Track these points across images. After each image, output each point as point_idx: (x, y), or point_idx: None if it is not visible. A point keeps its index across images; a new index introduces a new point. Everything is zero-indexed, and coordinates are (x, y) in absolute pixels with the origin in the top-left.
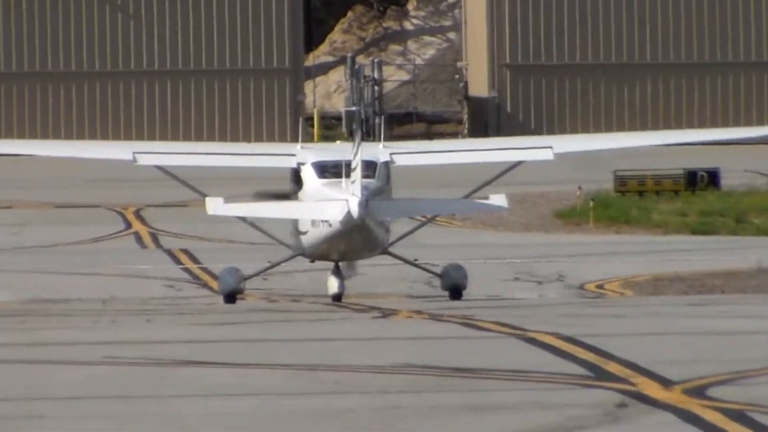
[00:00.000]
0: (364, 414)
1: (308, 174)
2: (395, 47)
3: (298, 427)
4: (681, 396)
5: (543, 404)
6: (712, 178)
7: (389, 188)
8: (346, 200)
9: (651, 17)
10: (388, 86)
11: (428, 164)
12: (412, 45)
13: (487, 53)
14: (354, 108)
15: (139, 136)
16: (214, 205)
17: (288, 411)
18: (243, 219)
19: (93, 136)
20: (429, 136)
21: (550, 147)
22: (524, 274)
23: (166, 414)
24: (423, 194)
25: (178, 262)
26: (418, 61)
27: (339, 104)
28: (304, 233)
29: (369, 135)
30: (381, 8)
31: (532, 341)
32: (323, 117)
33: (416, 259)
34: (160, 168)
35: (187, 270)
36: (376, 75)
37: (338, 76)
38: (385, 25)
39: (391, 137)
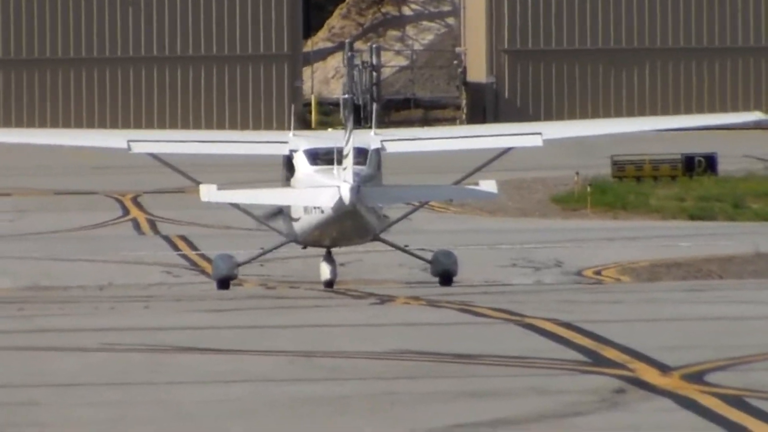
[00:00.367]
0: (360, 400)
1: (300, 161)
2: (394, 33)
3: (295, 413)
4: (679, 382)
5: (540, 390)
6: (710, 163)
7: (380, 175)
8: (338, 187)
9: (649, 2)
10: (386, 72)
11: (419, 151)
12: (410, 30)
13: (486, 38)
14: (345, 96)
15: (137, 122)
16: (208, 192)
17: (285, 397)
18: (236, 206)
19: (91, 122)
20: (427, 121)
21: (540, 133)
22: (521, 260)
23: (163, 400)
24: (416, 180)
25: (175, 248)
26: (417, 46)
27: (337, 90)
28: (297, 220)
29: (367, 121)
30: None
31: (530, 327)
32: (321, 103)
33: (407, 246)
34: (154, 156)
35: (184, 256)
36: (374, 61)
37: (336, 62)
38: (383, 10)
39: (389, 123)
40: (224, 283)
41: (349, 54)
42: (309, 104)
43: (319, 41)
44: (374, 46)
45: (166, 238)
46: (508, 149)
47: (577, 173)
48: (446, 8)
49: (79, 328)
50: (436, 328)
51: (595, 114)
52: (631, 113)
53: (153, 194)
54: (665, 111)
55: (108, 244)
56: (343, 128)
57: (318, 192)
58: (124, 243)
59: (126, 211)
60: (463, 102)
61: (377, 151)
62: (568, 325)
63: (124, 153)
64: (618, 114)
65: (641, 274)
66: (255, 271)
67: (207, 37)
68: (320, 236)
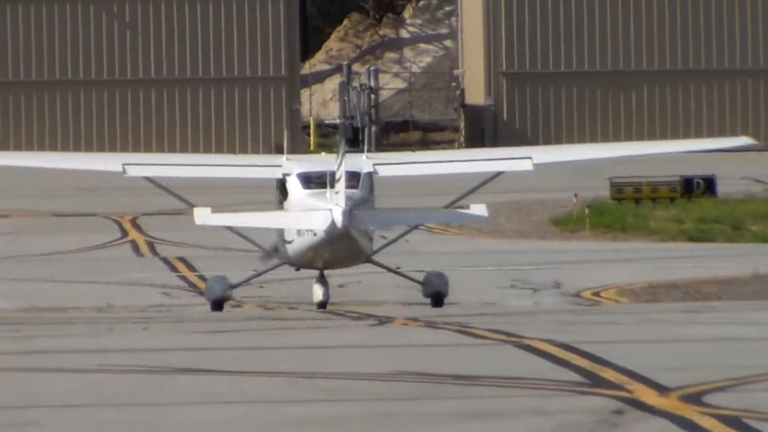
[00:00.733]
0: (360, 421)
1: (293, 185)
2: (391, 55)
3: None
4: (677, 402)
5: (538, 411)
6: (709, 185)
7: (372, 198)
8: (330, 210)
9: (647, 25)
10: (384, 94)
11: (410, 175)
12: (408, 53)
13: (484, 61)
14: (338, 120)
15: (136, 145)
16: (202, 216)
17: (284, 418)
18: (230, 229)
19: (89, 145)
20: (425, 144)
21: (530, 158)
22: (520, 282)
23: (161, 422)
24: (410, 203)
25: (174, 270)
26: (415, 69)
27: (335, 112)
28: (290, 242)
29: (365, 143)
30: (377, 16)
31: (528, 348)
32: (319, 125)
33: (399, 267)
34: (149, 179)
35: (183, 278)
36: (372, 83)
37: (334, 84)
38: (381, 32)
39: (387, 145)
40: (218, 304)
41: (343, 79)
42: (307, 127)
43: (316, 63)
44: (372, 68)
45: (165, 260)
46: (499, 173)
47: (576, 195)
48: (444, 31)
49: (77, 350)
50: (435, 350)
51: (593, 136)
52: (629, 135)
53: (152, 216)
54: (664, 133)
55: (106, 266)
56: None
57: (310, 215)
58: (122, 265)
59: (125, 233)
60: (462, 124)
61: (369, 174)
62: (566, 346)
63: (121, 176)
64: (616, 136)
65: (640, 296)
66: (254, 293)
67: (205, 60)
68: (313, 258)
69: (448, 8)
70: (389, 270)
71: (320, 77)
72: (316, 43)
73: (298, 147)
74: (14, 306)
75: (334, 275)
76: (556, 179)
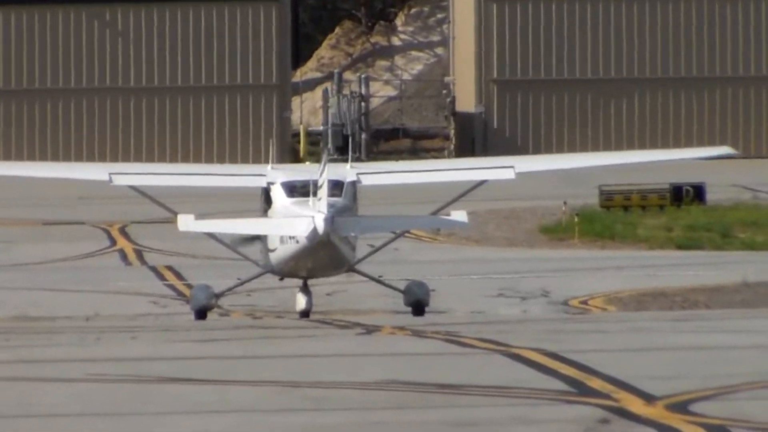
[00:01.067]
0: (347, 430)
1: (278, 193)
2: (383, 63)
3: None
4: (663, 411)
5: (525, 420)
6: (698, 192)
7: (356, 207)
8: (312, 217)
9: (639, 32)
10: (375, 102)
11: (394, 184)
12: (399, 60)
13: (475, 69)
14: (321, 127)
15: (125, 154)
16: (186, 222)
17: (272, 427)
18: (212, 236)
19: (79, 153)
20: (415, 152)
21: (512, 167)
22: (508, 290)
23: (151, 431)
24: (398, 211)
25: (162, 278)
26: (406, 76)
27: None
28: (273, 250)
29: (356, 151)
30: (369, 24)
31: (516, 357)
32: (309, 133)
33: (381, 276)
34: (134, 188)
35: (171, 286)
36: (363, 91)
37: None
38: (372, 40)
39: (377, 153)
40: (202, 313)
41: (326, 87)
42: (297, 134)
43: (308, 71)
44: (363, 76)
45: (153, 269)
46: (483, 182)
47: (565, 203)
48: (435, 38)
49: (65, 359)
50: (422, 358)
51: (584, 143)
52: (619, 143)
53: (140, 224)
54: (654, 141)
55: (95, 275)
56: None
57: (292, 222)
58: (111, 273)
59: (113, 242)
60: (452, 132)
61: (353, 183)
62: (553, 355)
63: (108, 185)
64: (606, 143)
65: (628, 304)
66: (242, 302)
67: (195, 67)
68: (295, 267)
69: (439, 16)
70: (371, 279)
71: (311, 85)
72: (307, 50)
73: (288, 155)
74: (3, 315)
75: (321, 284)
76: (545, 187)
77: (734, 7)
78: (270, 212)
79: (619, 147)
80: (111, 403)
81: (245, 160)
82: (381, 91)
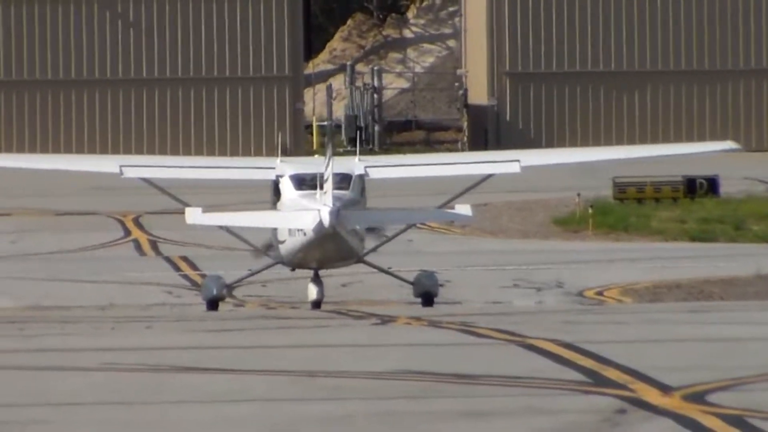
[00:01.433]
0: (362, 420)
1: (286, 186)
2: (395, 55)
3: None
4: (680, 402)
5: (542, 410)
6: (711, 185)
7: (364, 200)
8: (318, 210)
9: (651, 25)
10: (387, 94)
11: (401, 177)
12: (411, 53)
13: (487, 61)
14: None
15: (138, 145)
16: (193, 215)
17: (286, 417)
18: (225, 228)
19: (92, 144)
20: (428, 144)
21: (518, 160)
22: (523, 281)
23: (165, 420)
24: (408, 204)
25: (177, 268)
26: (418, 68)
27: (338, 112)
28: (283, 242)
29: (369, 143)
30: (381, 16)
31: (531, 348)
32: (322, 126)
33: (390, 267)
34: (145, 180)
35: (186, 277)
36: (375, 83)
37: (338, 83)
38: (384, 32)
39: (390, 145)
40: (213, 303)
41: (329, 83)
42: (310, 126)
43: (320, 63)
44: (375, 68)
45: (168, 259)
46: (489, 175)
47: (579, 195)
48: (447, 31)
49: (80, 348)
50: (438, 349)
51: (596, 136)
52: (632, 136)
53: (154, 215)
54: (667, 133)
55: (109, 265)
56: (351, 148)
57: (299, 215)
58: (125, 264)
59: (127, 232)
60: (465, 124)
61: (361, 176)
62: (569, 346)
63: (118, 177)
64: (619, 136)
65: (643, 295)
66: (256, 292)
67: (208, 59)
68: (304, 258)
69: (451, 8)
70: (381, 270)
71: (323, 77)
72: (319, 42)
73: (301, 147)
74: (18, 305)
75: (335, 274)
76: (558, 179)
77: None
78: (279, 205)
79: (631, 139)
80: (126, 393)
81: (258, 152)
82: (394, 84)
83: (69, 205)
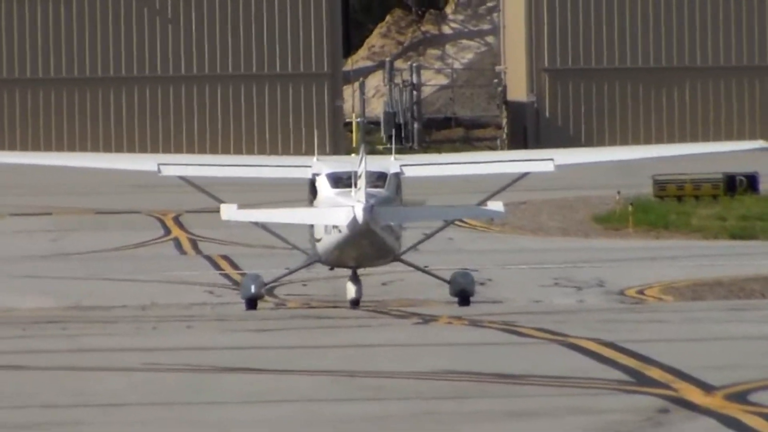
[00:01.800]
0: (402, 420)
1: (322, 184)
2: (433, 51)
3: None
4: (722, 401)
5: (584, 410)
6: (751, 182)
7: (399, 198)
8: (353, 206)
9: (689, 20)
10: (426, 91)
11: (436, 176)
12: (450, 49)
13: (526, 57)
14: (358, 119)
15: (177, 143)
16: (228, 211)
17: (327, 417)
18: (262, 226)
19: (131, 141)
20: (467, 141)
21: (552, 159)
22: (564, 280)
23: (206, 421)
24: (442, 201)
25: (217, 267)
26: (457, 65)
27: (377, 109)
28: (319, 240)
29: (408, 141)
30: (419, 12)
31: (573, 347)
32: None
33: (426, 266)
34: (183, 178)
35: (226, 276)
36: (414, 80)
37: (377, 80)
38: (423, 29)
39: (430, 142)
40: (252, 302)
41: (361, 80)
42: (349, 124)
43: (359, 60)
44: (414, 65)
45: (208, 258)
46: (524, 174)
47: (619, 192)
48: (486, 27)
49: (122, 348)
50: (480, 348)
51: (636, 133)
52: (671, 132)
53: (194, 213)
54: (706, 131)
55: (150, 264)
56: (387, 145)
57: (333, 212)
58: (165, 262)
59: (167, 231)
60: (504, 121)
61: (396, 175)
62: (611, 345)
63: (157, 175)
64: (659, 133)
65: (684, 294)
66: (298, 291)
67: (246, 56)
68: (340, 256)
69: (490, 4)
70: (417, 269)
71: (362, 73)
72: (358, 39)
73: (341, 144)
74: (59, 304)
75: (376, 273)
76: (599, 177)
77: None
78: (315, 203)
79: (670, 136)
80: (167, 393)
81: (297, 149)
82: (432, 80)
83: (109, 204)
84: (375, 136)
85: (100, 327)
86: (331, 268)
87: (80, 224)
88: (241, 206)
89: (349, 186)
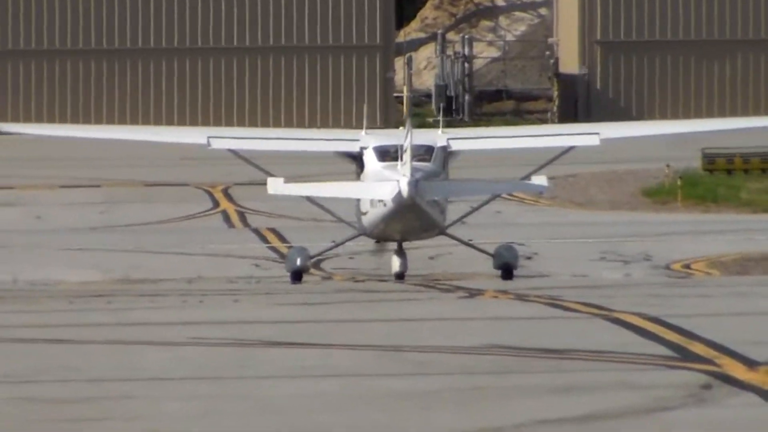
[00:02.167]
0: (447, 394)
1: (370, 158)
2: (486, 23)
3: (382, 407)
4: (765, 377)
5: (628, 385)
6: None
7: (446, 172)
8: (398, 180)
9: None
10: (478, 63)
11: (483, 149)
12: (503, 21)
13: (578, 29)
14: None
15: (228, 115)
16: (275, 185)
17: (373, 391)
18: (309, 199)
19: (182, 114)
20: (518, 114)
21: (597, 133)
22: (610, 254)
23: (252, 395)
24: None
25: (265, 241)
26: (509, 37)
27: (429, 81)
28: (365, 213)
29: (459, 113)
30: None
31: (618, 321)
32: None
33: (471, 240)
34: (232, 151)
35: (274, 249)
36: (466, 52)
37: (429, 52)
38: (476, 1)
39: (480, 115)
40: (297, 275)
41: (409, 55)
42: (400, 96)
43: (411, 32)
44: (466, 37)
45: (256, 231)
46: (570, 148)
47: (668, 166)
48: None
49: (168, 322)
50: (525, 323)
51: (687, 106)
52: (722, 106)
53: (243, 186)
54: (757, 104)
55: (197, 237)
56: (437, 118)
57: (379, 185)
58: (213, 235)
59: (216, 204)
60: (555, 94)
61: (443, 148)
62: (656, 320)
63: (205, 148)
64: (710, 107)
65: (731, 268)
66: (344, 265)
67: (299, 27)
68: (385, 229)
69: None
70: (462, 242)
71: (414, 46)
72: (411, 11)
73: (392, 116)
74: (106, 278)
75: (423, 246)
76: (649, 150)
77: None
78: (362, 176)
79: (721, 109)
80: (213, 367)
81: (347, 122)
82: (484, 52)
83: (158, 176)
84: (426, 108)
85: (146, 300)
86: (377, 242)
87: (129, 197)
88: (288, 180)
89: (396, 159)
